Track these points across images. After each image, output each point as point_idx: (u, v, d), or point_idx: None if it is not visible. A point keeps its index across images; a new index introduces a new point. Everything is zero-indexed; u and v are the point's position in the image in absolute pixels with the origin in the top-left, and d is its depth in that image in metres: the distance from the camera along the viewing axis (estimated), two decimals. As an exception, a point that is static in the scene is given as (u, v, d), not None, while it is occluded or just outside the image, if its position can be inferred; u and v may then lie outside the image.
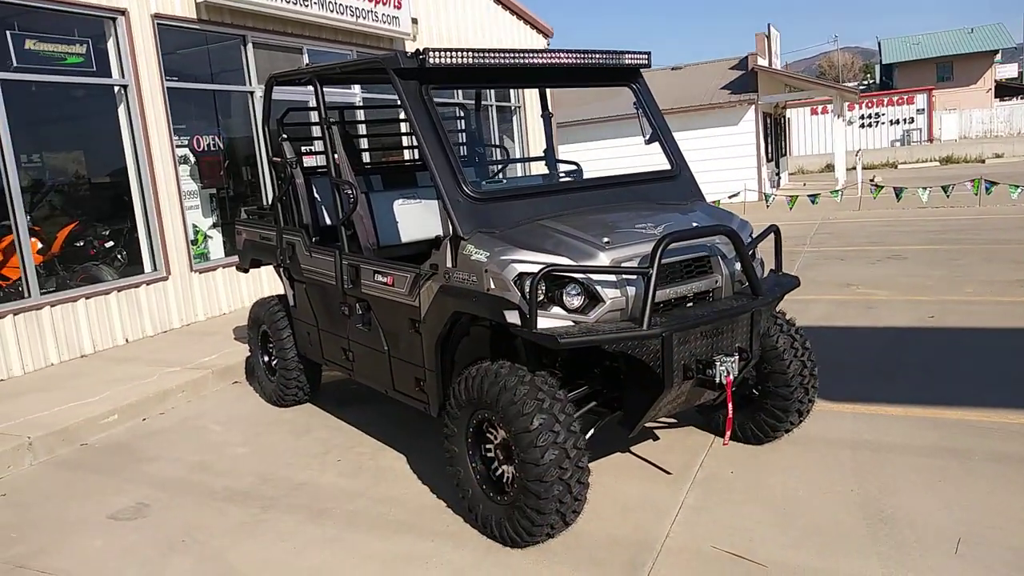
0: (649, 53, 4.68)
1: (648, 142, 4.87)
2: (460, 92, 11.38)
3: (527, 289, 3.39)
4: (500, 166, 6.48)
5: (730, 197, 16.88)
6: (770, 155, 22.86)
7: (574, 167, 5.67)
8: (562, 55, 4.29)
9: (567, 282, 3.51)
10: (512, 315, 3.46)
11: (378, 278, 4.41)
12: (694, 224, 3.99)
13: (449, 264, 3.82)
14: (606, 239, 3.68)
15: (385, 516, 4.02)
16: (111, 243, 8.50)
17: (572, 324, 3.48)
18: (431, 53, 3.84)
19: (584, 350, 3.64)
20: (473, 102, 6.18)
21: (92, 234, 8.46)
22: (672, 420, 4.91)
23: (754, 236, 4.22)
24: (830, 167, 26.98)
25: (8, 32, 7.09)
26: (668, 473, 4.27)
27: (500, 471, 3.67)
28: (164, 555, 3.79)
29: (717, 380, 3.62)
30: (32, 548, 3.97)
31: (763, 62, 21.75)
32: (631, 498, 4.01)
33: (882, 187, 16.49)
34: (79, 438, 5.41)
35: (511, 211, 3.93)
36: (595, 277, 3.53)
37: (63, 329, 7.23)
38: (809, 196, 15.65)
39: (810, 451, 4.41)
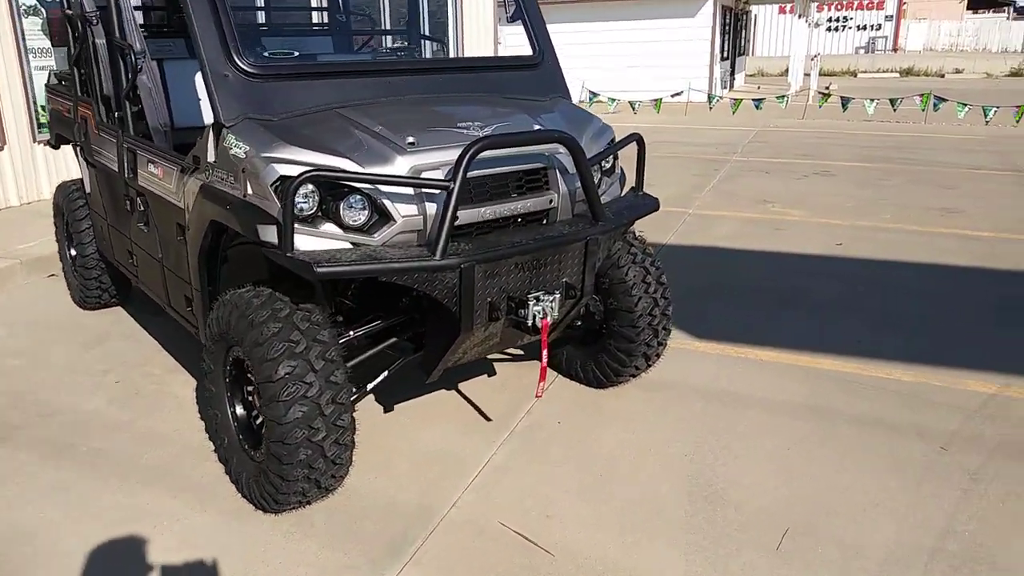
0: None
1: (510, 20, 4.00)
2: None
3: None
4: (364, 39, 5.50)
5: (672, 96, 15.97)
6: (726, 53, 21.78)
7: (438, 46, 4.78)
8: None
9: (348, 192, 2.74)
10: (268, 231, 2.69)
11: (151, 168, 3.58)
12: (536, 127, 3.22)
13: (211, 158, 3.01)
14: (411, 139, 2.89)
15: (136, 460, 3.35)
16: (-65, 104, 7.36)
17: (350, 247, 2.74)
18: None
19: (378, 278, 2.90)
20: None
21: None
22: (516, 351, 4.28)
23: (612, 144, 3.48)
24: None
25: None
26: (488, 420, 3.66)
27: (261, 420, 2.99)
28: None
29: (530, 322, 2.95)
30: None
31: (726, -50, 20.34)
32: (432, 450, 3.40)
33: (829, 95, 15.71)
34: None
35: (301, 93, 3.09)
36: (385, 189, 2.76)
37: None
38: (754, 101, 14.83)
39: (657, 400, 3.83)
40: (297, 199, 2.64)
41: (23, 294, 5.45)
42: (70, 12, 4.16)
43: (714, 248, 6.42)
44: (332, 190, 2.72)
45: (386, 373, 3.23)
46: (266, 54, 3.99)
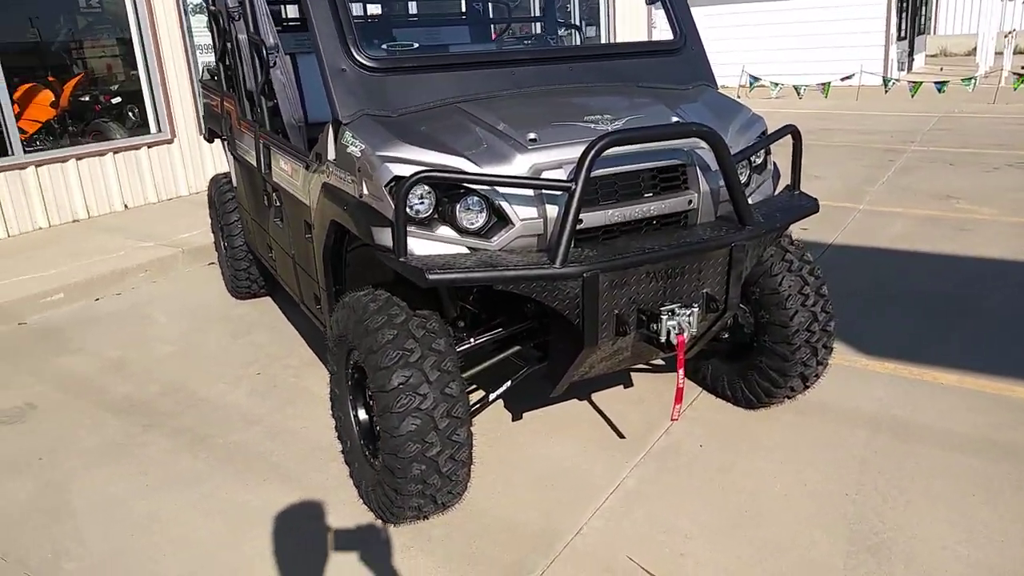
0: None
1: (650, 1, 3.69)
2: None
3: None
4: (502, 26, 5.32)
5: (842, 80, 14.81)
6: (903, 32, 20.00)
7: (574, 32, 4.52)
8: None
9: (465, 194, 2.57)
10: (382, 234, 2.55)
11: (282, 164, 3.57)
12: (674, 119, 2.91)
13: (331, 155, 2.93)
14: (532, 135, 2.68)
15: (268, 456, 3.36)
16: (119, 99, 7.93)
17: (466, 252, 2.56)
18: None
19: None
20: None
21: (98, 89, 7.92)
22: (658, 361, 3.97)
23: (763, 138, 3.10)
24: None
25: None
26: (621, 437, 3.40)
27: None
28: (9, 476, 3.27)
29: (663, 338, 2.66)
30: None
31: (909, -80, 18.61)
32: (559, 467, 3.18)
33: (1028, 77, 14.00)
34: (17, 317, 4.99)
35: (421, 88, 2.95)
36: (503, 190, 2.57)
37: (52, 191, 6.80)
38: (936, 83, 13.46)
39: (814, 426, 3.41)
40: (412, 200, 2.49)
41: (183, 281, 5.72)
42: (214, 8, 4.25)
43: (887, 250, 5.77)
44: (448, 191, 2.55)
45: (509, 383, 3.04)
46: (384, 47, 3.89)
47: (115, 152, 7.25)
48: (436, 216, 2.58)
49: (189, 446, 3.45)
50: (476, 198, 2.57)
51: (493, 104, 2.94)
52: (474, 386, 3.59)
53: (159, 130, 7.67)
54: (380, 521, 2.85)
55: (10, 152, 6.59)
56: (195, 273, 5.88)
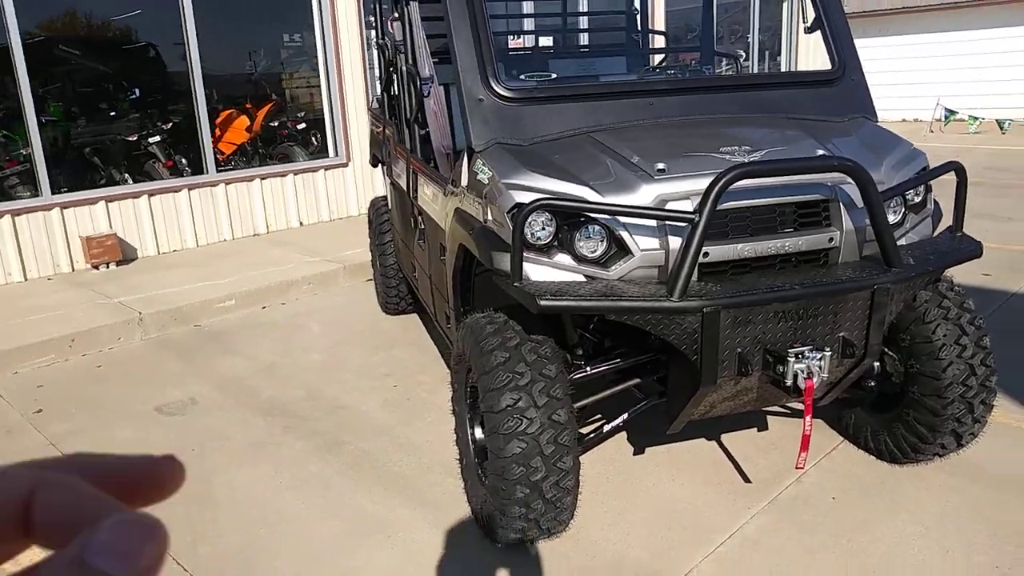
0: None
1: (809, 30, 3.54)
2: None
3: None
4: (659, 56, 5.28)
5: None
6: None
7: (736, 59, 4.40)
8: None
9: (585, 222, 2.57)
10: (502, 259, 2.59)
11: (426, 188, 3.72)
12: (820, 152, 2.77)
13: (464, 182, 3.02)
14: (660, 165, 2.64)
15: (391, 465, 3.48)
16: (303, 125, 8.61)
17: (583, 280, 2.56)
18: None
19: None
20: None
21: (286, 115, 8.63)
22: (796, 404, 3.74)
23: (923, 174, 2.88)
24: None
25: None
26: (748, 482, 3.22)
27: (490, 448, 2.92)
28: (166, 462, 3.60)
29: (789, 382, 2.51)
30: (76, 427, 4.02)
31: None
32: (676, 507, 3.06)
33: None
34: (193, 319, 5.50)
35: (555, 117, 2.99)
36: (625, 219, 2.54)
37: (237, 207, 7.48)
38: None
39: (966, 489, 3.07)
40: (532, 227, 2.52)
41: (342, 295, 6.08)
42: (382, 42, 4.52)
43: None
44: (569, 219, 2.55)
45: (626, 416, 2.97)
46: (523, 77, 3.96)
47: (295, 173, 7.86)
48: (556, 243, 2.59)
49: (322, 450, 3.65)
50: (596, 227, 2.56)
51: (626, 134, 2.92)
52: (597, 415, 3.56)
53: (336, 154, 8.24)
54: (487, 540, 2.87)
55: (205, 171, 7.32)
56: (353, 288, 6.23)
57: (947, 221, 3.05)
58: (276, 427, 3.90)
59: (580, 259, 2.57)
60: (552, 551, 2.81)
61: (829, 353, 2.54)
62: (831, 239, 2.66)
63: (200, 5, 7.05)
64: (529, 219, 2.49)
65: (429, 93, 3.80)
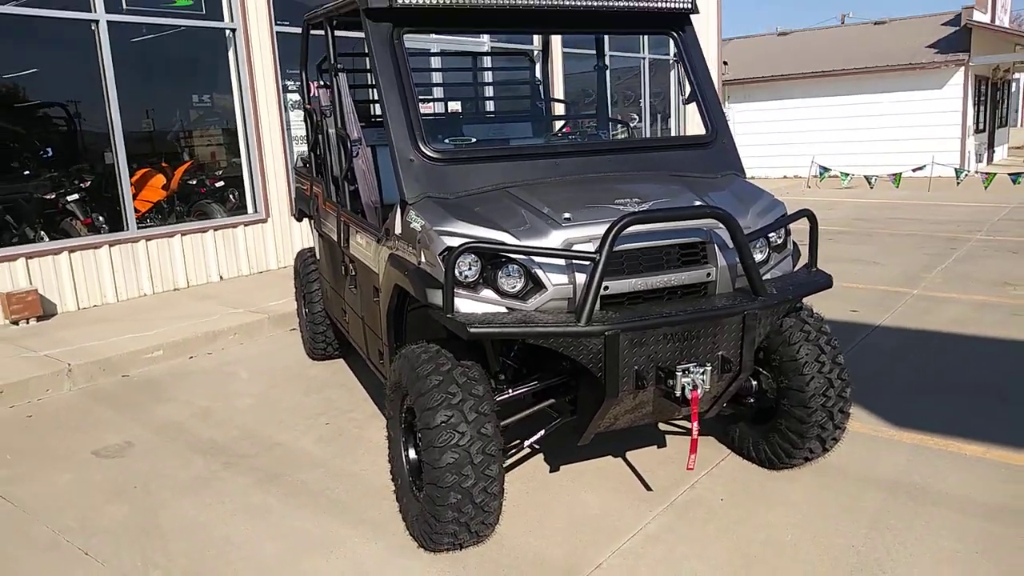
0: (695, -3, 3.94)
1: (686, 102, 4.15)
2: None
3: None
4: (562, 123, 5.89)
5: (913, 171, 14.90)
6: (981, 125, 19.97)
7: (628, 124, 5.01)
8: None
9: (506, 262, 3.02)
10: (435, 295, 3.01)
11: (358, 238, 4.11)
12: (697, 203, 3.32)
13: (398, 230, 3.43)
14: (567, 215, 3.13)
15: (329, 492, 3.77)
16: (221, 183, 8.83)
17: (505, 311, 2.99)
18: None
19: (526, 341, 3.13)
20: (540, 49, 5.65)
21: (204, 173, 8.84)
22: (687, 423, 4.24)
23: (781, 219, 3.47)
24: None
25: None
26: (649, 489, 3.68)
27: (425, 464, 3.28)
28: (109, 500, 3.78)
29: (678, 393, 2.99)
30: (14, 473, 4.12)
31: (983, 16, 18.87)
32: (589, 513, 3.48)
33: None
34: (121, 370, 5.63)
35: (476, 175, 3.45)
36: (539, 259, 3.01)
37: (158, 263, 7.61)
38: (1011, 175, 13.43)
39: (833, 486, 3.62)
40: (461, 267, 2.95)
41: (267, 344, 6.31)
42: (310, 107, 4.93)
43: (934, 332, 5.91)
44: (492, 260, 2.99)
45: (543, 432, 3.40)
46: (447, 141, 4.44)
47: (215, 229, 8.07)
48: (481, 281, 3.02)
49: (262, 483, 3.90)
50: (515, 266, 3.01)
51: (537, 189, 3.41)
52: (517, 441, 3.96)
53: (255, 211, 8.50)
54: (422, 549, 3.20)
55: (126, 228, 7.45)
56: (279, 337, 6.47)
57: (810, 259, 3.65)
58: (216, 464, 4.13)
59: (502, 294, 3.01)
60: (481, 555, 3.17)
61: (710, 368, 3.05)
62: (708, 274, 3.20)
63: (120, 64, 7.27)
64: (458, 260, 2.92)
65: (358, 154, 4.21)
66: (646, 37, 13.51)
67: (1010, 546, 3.10)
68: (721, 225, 3.14)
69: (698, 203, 3.31)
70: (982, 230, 10.37)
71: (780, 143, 19.05)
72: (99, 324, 6.48)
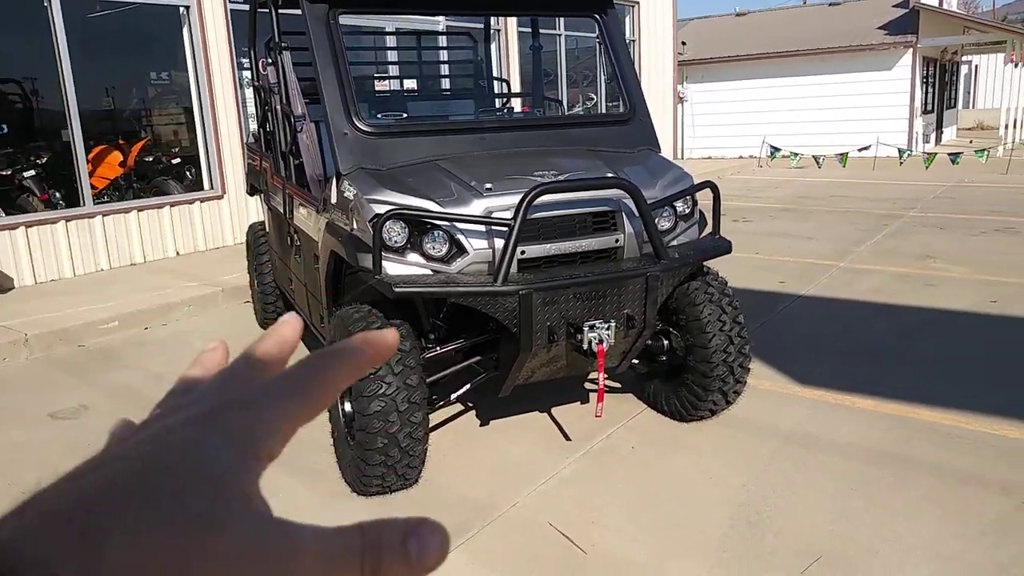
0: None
1: (609, 80, 4.44)
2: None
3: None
4: (504, 100, 6.17)
5: (859, 151, 15.39)
6: (930, 106, 20.58)
7: (559, 103, 5.29)
8: None
9: (431, 228, 3.30)
10: (366, 258, 3.29)
11: (301, 209, 4.36)
12: (607, 175, 3.62)
13: (333, 200, 3.70)
14: (488, 185, 3.42)
15: (273, 447, 4.05)
16: (178, 160, 8.98)
17: (430, 273, 3.28)
18: None
19: (449, 300, 3.43)
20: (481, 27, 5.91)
21: (161, 150, 8.97)
22: (612, 383, 4.59)
23: (685, 189, 3.79)
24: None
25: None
26: (568, 439, 4.01)
27: (356, 414, 3.57)
28: (65, 456, 4.02)
29: (585, 346, 3.31)
30: (-29, 434, 4.35)
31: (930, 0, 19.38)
32: (512, 460, 3.80)
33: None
34: (77, 339, 5.83)
35: (406, 148, 3.72)
36: (461, 225, 3.30)
37: (115, 238, 7.77)
38: (950, 155, 13.97)
39: (736, 436, 3.98)
40: (390, 233, 3.23)
41: (221, 316, 6.54)
42: (258, 84, 5.14)
43: (851, 301, 6.32)
44: (419, 226, 3.28)
45: (468, 386, 3.71)
46: (379, 116, 4.70)
47: (172, 205, 8.23)
48: (409, 246, 3.30)
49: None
50: (440, 232, 3.30)
51: (464, 161, 3.69)
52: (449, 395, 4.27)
53: (211, 187, 8.66)
54: (355, 494, 3.50)
55: (82, 204, 7.59)
56: (232, 309, 6.70)
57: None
58: (167, 423, 4.38)
59: (428, 258, 3.30)
60: (408, 496, 3.48)
61: (615, 324, 3.37)
62: (617, 240, 3.51)
63: (75, 41, 7.38)
64: (386, 225, 3.19)
65: (302, 129, 4.45)
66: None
67: (880, 484, 3.48)
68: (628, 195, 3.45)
69: (609, 175, 3.61)
70: (916, 207, 10.86)
71: (735, 123, 19.49)
72: (56, 297, 6.65)
